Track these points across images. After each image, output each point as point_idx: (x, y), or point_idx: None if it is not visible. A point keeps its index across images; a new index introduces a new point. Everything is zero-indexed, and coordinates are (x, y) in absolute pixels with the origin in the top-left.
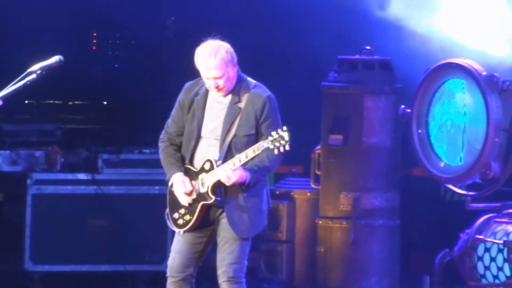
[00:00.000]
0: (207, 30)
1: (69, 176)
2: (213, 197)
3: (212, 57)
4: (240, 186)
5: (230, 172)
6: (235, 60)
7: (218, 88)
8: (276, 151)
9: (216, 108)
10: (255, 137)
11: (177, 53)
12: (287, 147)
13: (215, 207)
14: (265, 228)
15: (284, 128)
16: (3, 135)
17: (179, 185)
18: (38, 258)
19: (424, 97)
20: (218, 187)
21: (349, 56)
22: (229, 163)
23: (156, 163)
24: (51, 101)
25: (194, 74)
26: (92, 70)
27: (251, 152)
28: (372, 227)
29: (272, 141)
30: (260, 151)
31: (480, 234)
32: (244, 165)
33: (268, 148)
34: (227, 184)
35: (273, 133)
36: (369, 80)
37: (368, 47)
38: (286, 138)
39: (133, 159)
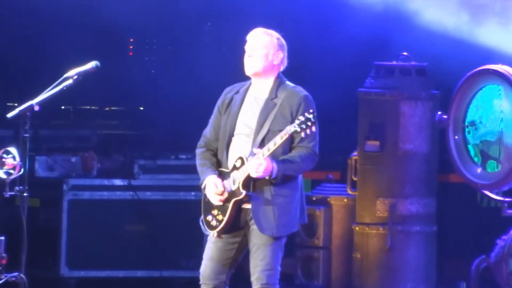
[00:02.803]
0: (243, 35)
1: (105, 182)
2: (244, 192)
3: (261, 30)
4: (268, 180)
5: (258, 161)
6: (282, 54)
7: (249, 58)
8: (303, 134)
9: (254, 105)
10: (290, 136)
11: (214, 59)
12: (313, 129)
13: (246, 209)
14: (301, 235)
15: (311, 110)
16: (40, 140)
17: (211, 187)
18: (74, 263)
19: (461, 103)
20: (248, 181)
21: (386, 62)
22: (258, 154)
23: (192, 169)
24: (88, 107)
25: (231, 79)
26: (128, 75)
27: (279, 139)
28: (408, 234)
29: (298, 124)
30: (287, 136)
31: None
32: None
33: (295, 131)
34: (255, 174)
35: (300, 117)
36: (405, 86)
37: (405, 53)
38: (313, 119)
39: (170, 164)
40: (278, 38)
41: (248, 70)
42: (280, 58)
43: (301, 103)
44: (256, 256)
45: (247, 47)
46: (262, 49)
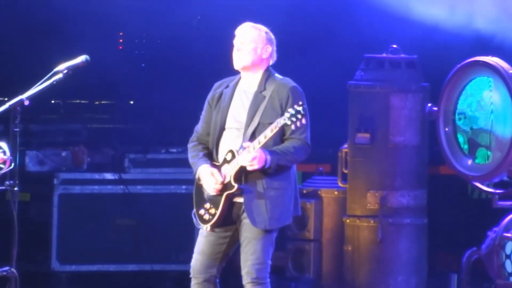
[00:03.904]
0: (233, 29)
1: (96, 176)
2: (236, 185)
3: (249, 25)
4: (260, 173)
5: (251, 154)
6: (270, 48)
7: (238, 52)
8: (293, 127)
9: (243, 99)
10: (281, 128)
11: (204, 52)
12: (303, 121)
13: (238, 203)
14: (292, 227)
15: (300, 103)
16: (30, 135)
17: (207, 177)
18: (65, 258)
19: (451, 95)
20: (240, 175)
21: (376, 54)
22: (249, 147)
23: (183, 163)
24: (78, 101)
25: (220, 72)
26: (118, 69)
27: (269, 132)
28: (399, 226)
29: (288, 117)
30: (277, 129)
31: (508, 232)
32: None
33: (285, 124)
34: (250, 167)
35: (290, 109)
36: (395, 78)
37: (394, 46)
38: (302, 111)
39: (160, 158)
40: (266, 32)
41: (237, 64)
42: (268, 52)
43: (289, 95)
44: (246, 250)
45: (235, 41)
46: (250, 43)
